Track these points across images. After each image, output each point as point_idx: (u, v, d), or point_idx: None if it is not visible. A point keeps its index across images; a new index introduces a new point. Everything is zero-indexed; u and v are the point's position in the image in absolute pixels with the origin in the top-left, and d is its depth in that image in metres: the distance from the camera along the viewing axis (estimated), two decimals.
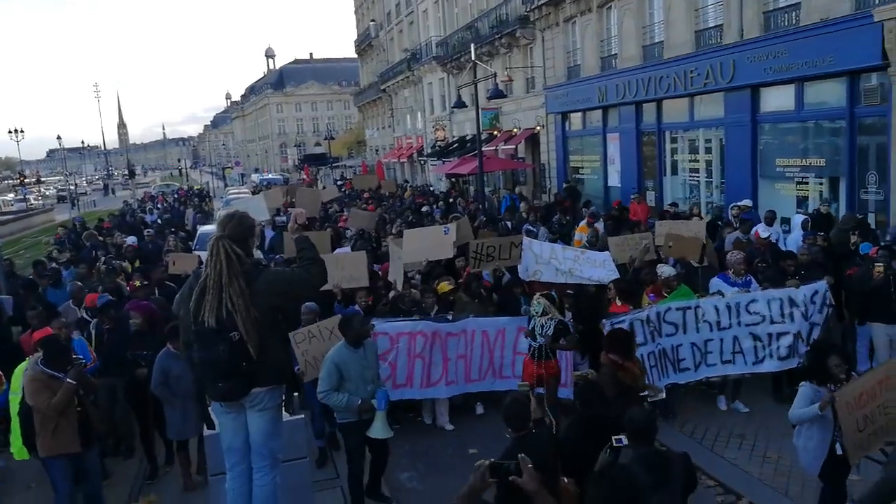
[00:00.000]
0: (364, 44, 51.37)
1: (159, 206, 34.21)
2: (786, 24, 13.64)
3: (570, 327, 7.69)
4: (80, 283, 9.89)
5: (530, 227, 13.85)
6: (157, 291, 9.97)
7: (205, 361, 4.56)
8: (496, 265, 9.93)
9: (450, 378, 8.02)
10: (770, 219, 11.76)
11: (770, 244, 10.47)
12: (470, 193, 25.91)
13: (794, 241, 11.06)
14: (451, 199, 22.32)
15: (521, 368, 7.56)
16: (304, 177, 48.22)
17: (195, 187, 51.05)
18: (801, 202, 13.89)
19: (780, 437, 6.76)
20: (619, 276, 8.74)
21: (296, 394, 6.24)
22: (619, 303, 8.13)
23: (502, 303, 9.14)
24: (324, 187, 31.74)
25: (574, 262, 9.08)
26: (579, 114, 22.50)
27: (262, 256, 13.07)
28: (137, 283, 9.83)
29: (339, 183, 40.59)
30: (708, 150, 16.95)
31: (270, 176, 59.35)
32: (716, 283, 8.48)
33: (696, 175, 17.48)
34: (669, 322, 7.72)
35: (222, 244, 4.48)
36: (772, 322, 7.80)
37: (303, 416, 6.29)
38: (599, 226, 13.44)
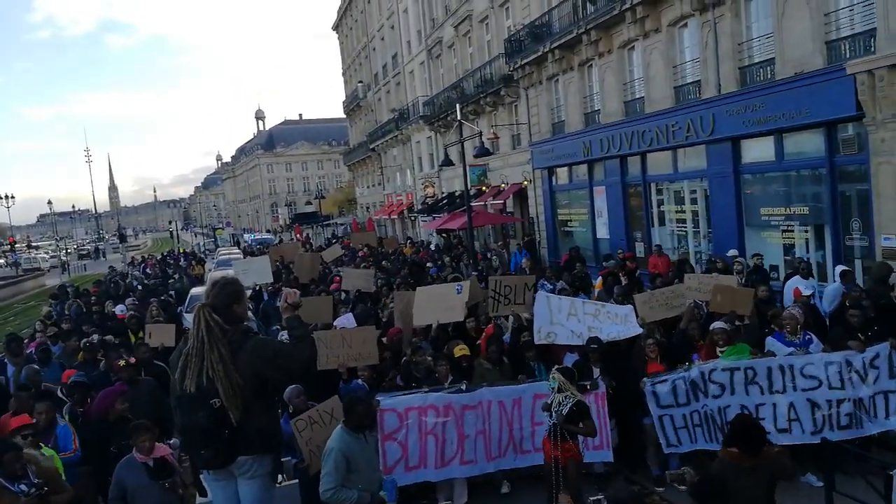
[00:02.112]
0: (353, 104, 52.39)
1: (147, 270, 32.77)
2: (761, 78, 14.06)
3: (602, 386, 7.33)
4: (35, 367, 8.98)
5: (546, 283, 13.12)
6: (143, 371, 8.68)
7: (186, 428, 4.58)
8: (512, 310, 9.63)
9: (466, 457, 7.18)
10: (805, 270, 10.73)
11: (813, 308, 9.19)
12: (477, 248, 25.50)
13: (831, 294, 10.06)
14: (456, 254, 21.63)
15: (542, 443, 6.87)
16: (296, 236, 48.41)
17: (182, 250, 50.38)
18: (788, 250, 14.05)
19: None
20: (641, 332, 8.36)
21: (286, 458, 6.10)
22: (659, 362, 7.73)
23: (515, 368, 8.28)
24: (321, 248, 31.67)
25: (594, 319, 8.53)
26: (565, 168, 22.87)
27: (253, 321, 12.53)
28: (122, 363, 8.37)
29: (333, 241, 40.70)
30: (693, 201, 17.20)
31: (261, 236, 59.59)
32: (770, 342, 7.82)
33: (684, 225, 17.70)
34: (716, 382, 7.21)
35: (203, 313, 4.53)
36: (830, 388, 7.16)
37: (297, 481, 6.17)
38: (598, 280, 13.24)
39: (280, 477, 5.62)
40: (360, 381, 7.79)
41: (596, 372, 7.67)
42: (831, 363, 7.23)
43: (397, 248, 27.54)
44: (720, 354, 7.54)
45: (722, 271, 11.48)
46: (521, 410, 7.39)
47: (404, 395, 7.19)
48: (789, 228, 14.07)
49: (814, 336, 7.84)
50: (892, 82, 10.85)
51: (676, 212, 17.97)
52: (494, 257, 21.23)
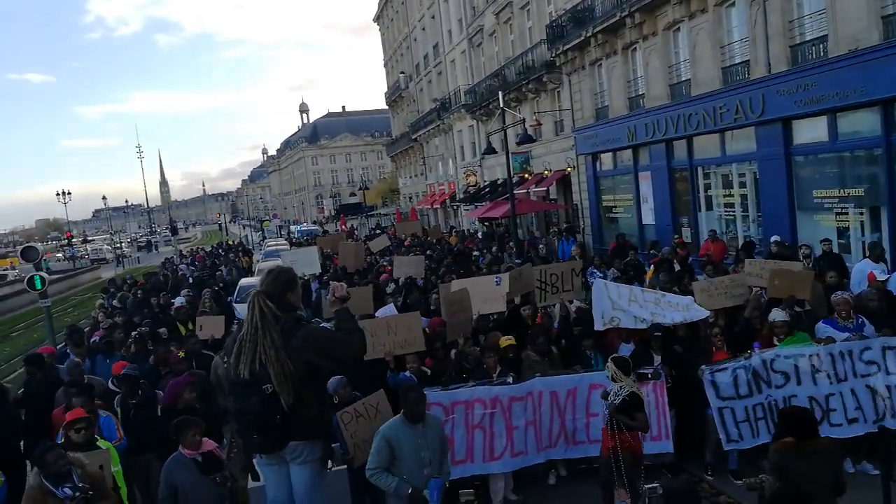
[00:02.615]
0: (395, 95, 52.59)
1: (196, 263, 32.97)
2: (813, 56, 13.62)
3: (662, 376, 7.16)
4: (76, 360, 9.08)
5: (595, 271, 12.75)
6: (194, 363, 8.73)
7: (239, 413, 4.70)
8: (560, 298, 9.42)
9: (516, 449, 7.04)
10: (878, 254, 10.23)
11: (888, 293, 8.67)
12: (527, 237, 25.15)
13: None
14: (504, 243, 21.33)
15: (599, 432, 6.72)
16: (341, 226, 48.99)
17: (230, 242, 51.17)
18: (843, 233, 13.63)
19: None
20: (708, 314, 8.19)
21: (335, 445, 6.16)
22: (724, 350, 7.50)
23: (565, 358, 8.14)
24: (366, 238, 31.91)
25: (655, 306, 8.30)
26: (609, 154, 22.56)
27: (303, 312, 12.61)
28: (182, 354, 8.57)
29: (376, 231, 41.00)
30: (742, 185, 16.80)
31: (308, 227, 60.49)
32: (822, 328, 7.64)
33: (732, 210, 17.31)
34: (779, 371, 6.97)
35: (258, 299, 4.64)
36: (888, 373, 6.94)
37: (346, 466, 6.25)
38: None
39: (330, 463, 5.71)
40: (407, 373, 7.65)
41: (657, 360, 7.46)
42: (890, 348, 6.95)
43: (441, 236, 27.51)
44: (777, 344, 7.29)
45: (787, 257, 11.04)
46: (576, 401, 7.21)
47: (452, 389, 7.03)
48: (843, 211, 13.63)
49: (866, 320, 7.57)
50: None
51: (724, 196, 17.57)
52: (542, 246, 20.99)
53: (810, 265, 10.71)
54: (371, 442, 5.89)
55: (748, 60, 15.33)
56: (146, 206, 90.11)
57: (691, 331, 8.20)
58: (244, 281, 20.11)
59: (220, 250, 40.14)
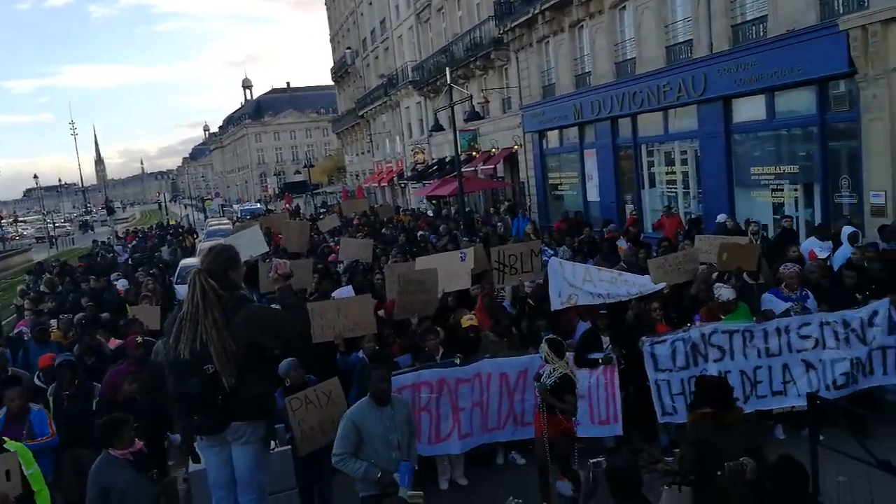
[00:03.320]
0: (341, 71, 51.68)
1: (129, 244, 31.78)
2: (754, 36, 13.92)
3: (614, 359, 7.05)
4: (1, 349, 8.43)
5: (546, 248, 12.41)
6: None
7: (180, 394, 4.57)
8: (519, 279, 9.27)
9: (463, 431, 6.96)
10: (824, 231, 10.71)
11: (828, 269, 8.93)
12: (481, 215, 24.96)
13: (841, 256, 9.87)
14: (454, 222, 21.09)
15: (533, 417, 6.60)
16: (286, 205, 48.18)
17: (171, 222, 49.64)
18: (778, 209, 14.06)
19: (853, 465, 5.04)
20: (664, 286, 8.20)
21: (279, 426, 6.02)
22: (663, 324, 7.51)
23: (523, 339, 7.90)
24: (312, 217, 31.31)
25: (611, 285, 8.27)
26: (556, 131, 22.72)
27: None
28: (140, 339, 7.95)
29: (322, 210, 40.41)
30: (684, 162, 17.15)
31: (250, 206, 59.26)
32: (767, 298, 7.77)
33: (674, 187, 17.67)
34: (715, 345, 7.01)
35: (199, 277, 4.50)
36: (825, 347, 7.06)
37: (289, 447, 6.13)
38: (622, 243, 13.09)
39: (273, 443, 5.59)
40: (360, 353, 7.42)
41: (606, 341, 7.38)
42: (827, 323, 7.09)
43: (393, 216, 27.13)
44: (723, 318, 7.33)
45: (737, 233, 11.28)
46: (527, 382, 7.05)
47: (396, 375, 6.65)
48: (779, 188, 14.07)
49: (809, 292, 7.78)
50: (885, 38, 10.78)
51: (667, 173, 17.93)
52: (500, 224, 20.77)
53: (758, 241, 11.00)
54: (319, 430, 5.78)
55: (691, 40, 15.58)
56: (81, 186, 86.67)
57: (637, 305, 8.16)
58: (185, 261, 19.60)
59: (158, 230, 38.99)
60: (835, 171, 12.71)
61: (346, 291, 9.94)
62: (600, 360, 7.18)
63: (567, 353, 6.56)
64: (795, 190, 13.75)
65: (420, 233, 18.77)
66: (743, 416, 4.94)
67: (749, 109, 14.55)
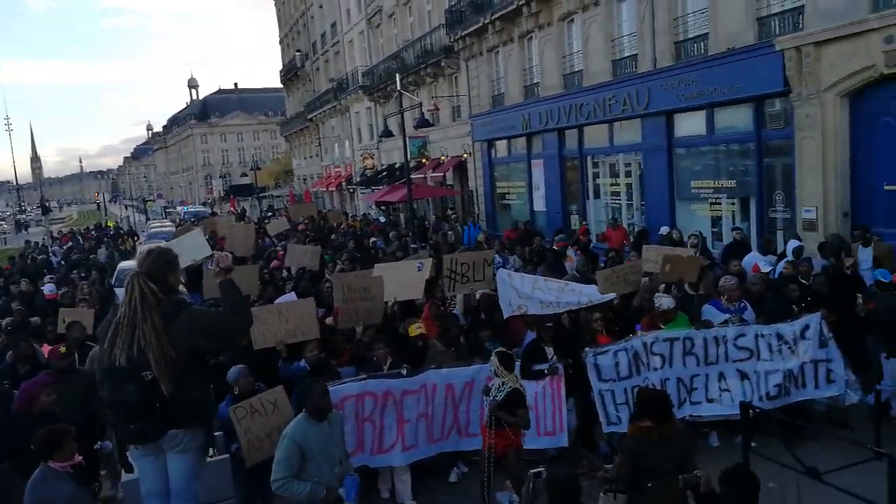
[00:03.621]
0: (290, 74, 51.07)
1: (69, 244, 30.22)
2: (695, 53, 14.35)
3: (560, 369, 7.07)
4: None
5: (497, 256, 12.19)
6: (76, 358, 7.60)
7: (115, 402, 4.41)
8: (471, 288, 9.18)
9: (407, 443, 6.79)
10: (767, 245, 11.03)
11: (771, 283, 9.15)
12: (431, 222, 24.76)
13: (780, 269, 9.96)
14: (406, 228, 20.82)
15: (479, 429, 6.53)
16: (232, 208, 47.24)
17: (110, 223, 47.81)
18: (716, 222, 14.50)
19: (782, 472, 5.20)
20: (614, 297, 8.29)
21: (217, 433, 5.86)
22: (606, 335, 7.54)
23: (472, 350, 7.77)
24: (259, 220, 30.67)
25: (560, 293, 8.34)
26: (504, 141, 22.93)
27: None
28: (63, 350, 7.18)
29: (268, 214, 39.73)
30: (628, 174, 17.53)
31: (195, 208, 57.89)
32: (707, 309, 7.92)
33: (618, 198, 18.03)
34: (657, 354, 7.11)
35: (138, 280, 4.39)
36: (759, 359, 7.24)
37: (227, 455, 5.97)
38: (571, 252, 13.18)
39: (211, 451, 5.44)
40: (302, 363, 7.22)
41: (550, 353, 7.34)
42: (762, 335, 7.27)
43: (342, 221, 26.72)
44: (663, 328, 7.45)
45: (679, 244, 11.58)
46: (472, 393, 6.98)
47: (341, 383, 6.63)
48: (717, 201, 14.51)
49: (748, 304, 7.98)
50: (818, 58, 11.24)
51: (611, 185, 18.29)
52: (450, 232, 20.59)
53: (697, 253, 11.28)
54: (266, 439, 5.59)
55: (636, 54, 15.95)
56: (15, 184, 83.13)
57: (577, 322, 8.22)
58: (124, 264, 19.00)
59: (96, 232, 37.62)
60: (770, 187, 13.18)
61: (289, 298, 9.60)
62: (546, 371, 7.18)
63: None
64: (733, 204, 14.20)
65: (372, 239, 18.60)
66: (677, 432, 5.00)
67: (690, 124, 14.96)
